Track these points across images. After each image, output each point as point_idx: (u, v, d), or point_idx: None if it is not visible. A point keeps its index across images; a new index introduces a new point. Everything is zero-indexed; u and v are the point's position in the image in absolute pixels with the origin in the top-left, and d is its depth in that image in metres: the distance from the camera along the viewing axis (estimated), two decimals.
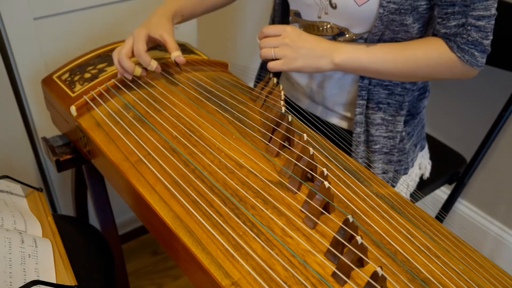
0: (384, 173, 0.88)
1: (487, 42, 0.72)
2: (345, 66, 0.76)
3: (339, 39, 0.81)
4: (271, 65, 0.77)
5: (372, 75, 0.79)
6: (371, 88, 0.82)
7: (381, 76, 0.79)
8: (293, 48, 0.75)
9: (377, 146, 0.86)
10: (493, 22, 0.72)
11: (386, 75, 0.78)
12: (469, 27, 0.71)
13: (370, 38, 0.77)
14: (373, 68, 0.76)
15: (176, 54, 0.78)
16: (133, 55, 0.78)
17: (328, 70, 0.77)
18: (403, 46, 0.76)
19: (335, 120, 0.91)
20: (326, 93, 0.89)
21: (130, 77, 0.80)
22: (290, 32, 0.76)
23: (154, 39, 0.78)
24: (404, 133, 0.87)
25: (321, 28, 0.81)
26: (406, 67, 0.75)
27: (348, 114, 0.89)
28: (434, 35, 0.77)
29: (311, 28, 0.83)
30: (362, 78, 0.81)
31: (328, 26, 0.80)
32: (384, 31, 0.76)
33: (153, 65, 0.78)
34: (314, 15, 0.81)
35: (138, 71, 0.79)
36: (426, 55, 0.74)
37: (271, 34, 0.77)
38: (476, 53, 0.72)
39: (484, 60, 0.74)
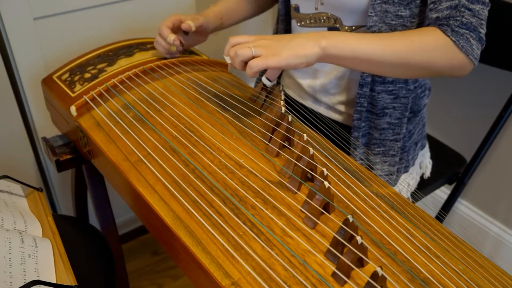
0: (390, 174, 0.88)
1: (483, 31, 0.69)
2: (334, 52, 0.67)
3: None
4: (253, 63, 0.65)
5: (365, 65, 0.70)
6: (375, 95, 0.81)
7: (374, 66, 0.70)
8: (272, 45, 0.67)
9: (381, 149, 0.86)
10: (486, 12, 0.69)
11: (380, 63, 0.69)
12: (462, 9, 0.68)
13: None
14: (366, 54, 0.68)
15: (186, 24, 0.87)
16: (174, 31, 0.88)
17: (316, 56, 0.67)
18: (396, 33, 0.71)
19: (339, 118, 0.91)
20: (329, 92, 0.89)
21: (166, 46, 0.88)
22: (262, 36, 0.69)
23: (181, 20, 0.88)
24: (405, 131, 0.87)
25: (318, 20, 0.82)
26: (401, 52, 0.68)
27: (351, 112, 0.89)
28: (426, 26, 0.73)
29: (310, 20, 0.84)
30: (361, 86, 0.81)
31: (325, 17, 0.81)
32: (380, 26, 0.76)
33: (171, 37, 0.85)
34: (311, 7, 0.83)
35: (172, 36, 0.85)
36: (421, 39, 0.68)
37: (241, 41, 0.69)
38: (471, 40, 0.68)
39: (479, 53, 0.70)
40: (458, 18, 0.68)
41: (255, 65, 0.65)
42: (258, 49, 0.66)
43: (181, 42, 0.87)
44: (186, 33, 0.89)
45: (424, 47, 0.68)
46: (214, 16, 0.93)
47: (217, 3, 0.97)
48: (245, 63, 0.67)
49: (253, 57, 0.66)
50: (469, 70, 0.71)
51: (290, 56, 0.65)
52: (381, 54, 0.68)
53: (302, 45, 0.66)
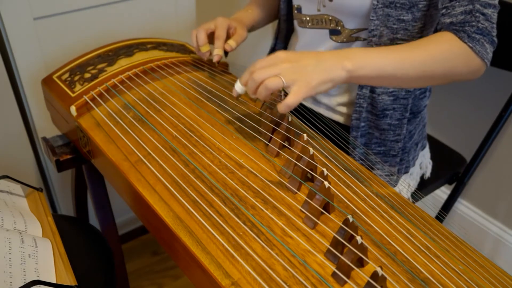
0: (391, 175, 0.88)
1: (494, 34, 0.69)
2: (359, 73, 0.65)
3: (335, 38, 0.82)
4: (289, 102, 0.62)
5: (388, 81, 0.69)
6: (375, 96, 0.81)
7: (397, 81, 0.69)
8: (299, 68, 0.63)
9: (382, 148, 0.86)
10: (496, 15, 0.69)
11: (403, 78, 0.68)
12: (477, 14, 0.67)
13: (369, 38, 0.77)
14: (389, 71, 0.66)
15: (228, 45, 0.86)
16: (209, 36, 0.87)
17: (343, 80, 0.65)
18: (413, 44, 0.69)
19: (339, 118, 0.91)
20: (329, 94, 0.89)
21: (197, 48, 0.86)
22: (285, 55, 0.65)
23: (230, 27, 0.88)
24: (405, 131, 0.87)
25: (320, 21, 0.83)
26: (424, 66, 0.67)
27: (351, 113, 0.89)
28: (438, 30, 0.72)
29: (312, 22, 0.84)
30: (360, 87, 0.81)
31: (327, 19, 0.82)
32: (382, 30, 0.76)
33: (219, 53, 0.84)
34: (314, 9, 0.84)
35: (207, 47, 0.85)
36: (440, 48, 0.67)
37: (264, 66, 0.65)
38: (486, 44, 0.68)
39: (491, 55, 0.69)
40: (473, 23, 0.67)
41: (292, 104, 0.63)
42: (289, 77, 0.63)
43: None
44: (226, 53, 0.86)
45: (446, 57, 0.67)
46: (247, 26, 0.94)
47: (247, 9, 0.97)
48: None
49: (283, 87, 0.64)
50: (482, 73, 0.71)
51: (320, 81, 0.63)
52: (404, 69, 0.67)
53: (327, 70, 0.64)
